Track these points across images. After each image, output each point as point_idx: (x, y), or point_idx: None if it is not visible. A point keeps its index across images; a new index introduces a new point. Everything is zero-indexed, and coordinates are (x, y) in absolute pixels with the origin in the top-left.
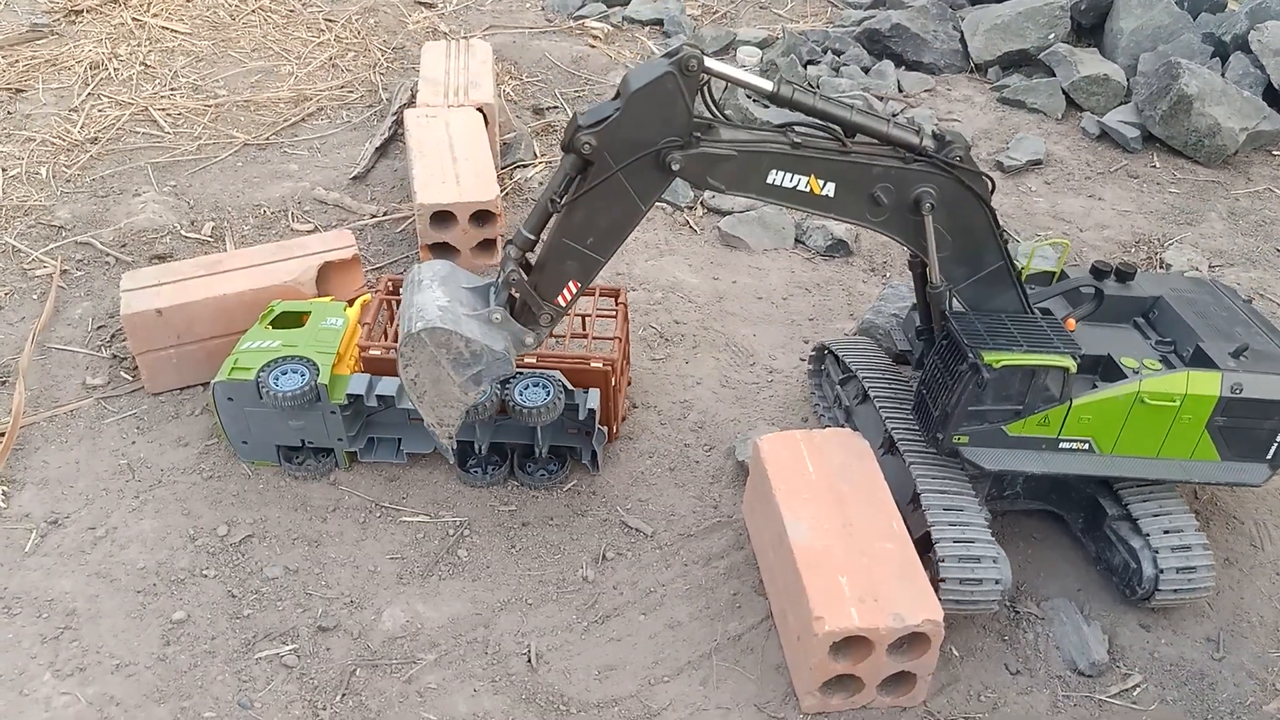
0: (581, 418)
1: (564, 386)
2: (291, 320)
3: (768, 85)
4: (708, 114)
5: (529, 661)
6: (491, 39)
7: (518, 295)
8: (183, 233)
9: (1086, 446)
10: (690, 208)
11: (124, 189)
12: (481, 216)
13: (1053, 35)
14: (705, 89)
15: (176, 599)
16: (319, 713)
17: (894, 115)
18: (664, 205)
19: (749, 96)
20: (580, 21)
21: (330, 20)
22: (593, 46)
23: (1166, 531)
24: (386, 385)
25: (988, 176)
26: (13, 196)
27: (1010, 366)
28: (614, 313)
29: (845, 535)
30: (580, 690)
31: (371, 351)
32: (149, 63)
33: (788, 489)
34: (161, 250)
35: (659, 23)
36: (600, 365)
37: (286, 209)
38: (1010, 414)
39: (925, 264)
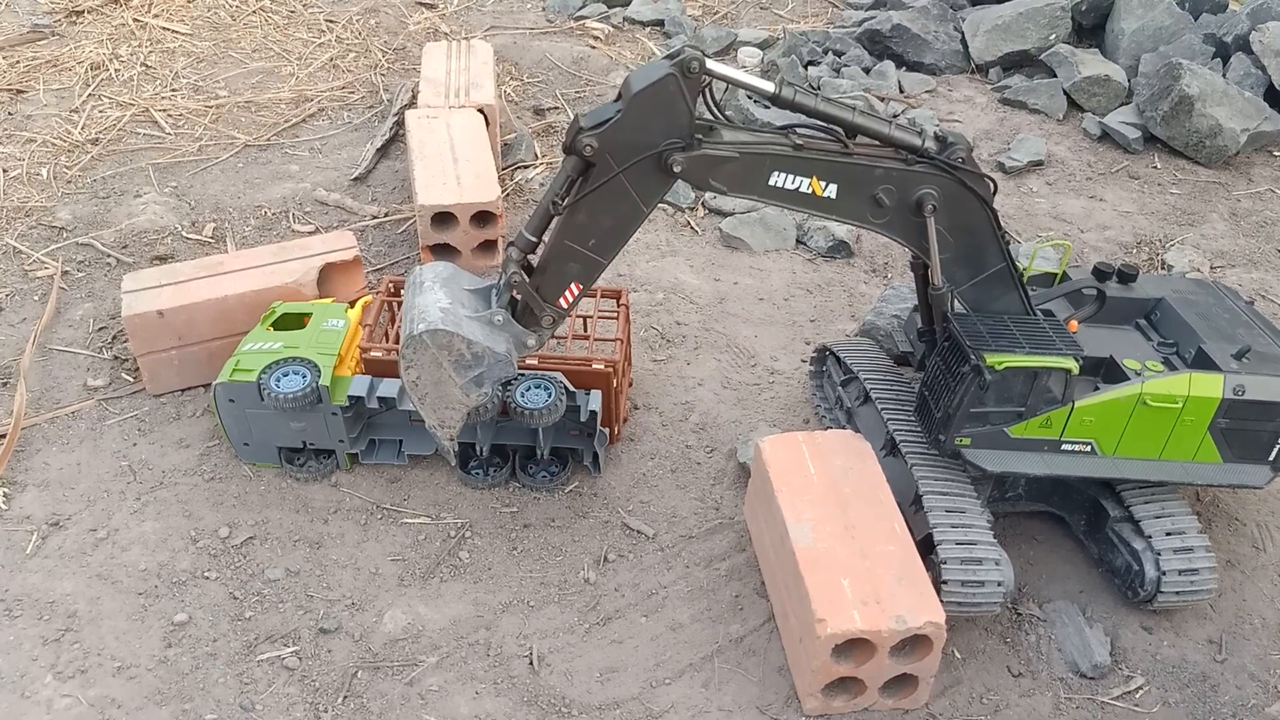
0: (583, 419)
1: (565, 388)
2: (293, 322)
3: (769, 87)
4: (709, 115)
5: (531, 664)
6: (492, 40)
7: (519, 297)
8: (184, 234)
9: (1089, 448)
10: (691, 209)
11: (125, 190)
12: (482, 218)
13: (1054, 36)
14: (707, 90)
15: (178, 601)
16: (320, 715)
17: (895, 116)
18: (665, 206)
19: (750, 98)
20: (581, 22)
21: (331, 21)
22: (593, 47)
23: (1169, 533)
24: (388, 387)
25: (989, 178)
26: (13, 197)
27: (1012, 368)
28: (615, 314)
29: (847, 537)
30: (582, 692)
31: (373, 353)
32: (150, 64)
33: (789, 491)
34: (163, 251)
35: (660, 23)
36: (602, 367)
37: (287, 210)
38: (1012, 416)
39: (927, 265)
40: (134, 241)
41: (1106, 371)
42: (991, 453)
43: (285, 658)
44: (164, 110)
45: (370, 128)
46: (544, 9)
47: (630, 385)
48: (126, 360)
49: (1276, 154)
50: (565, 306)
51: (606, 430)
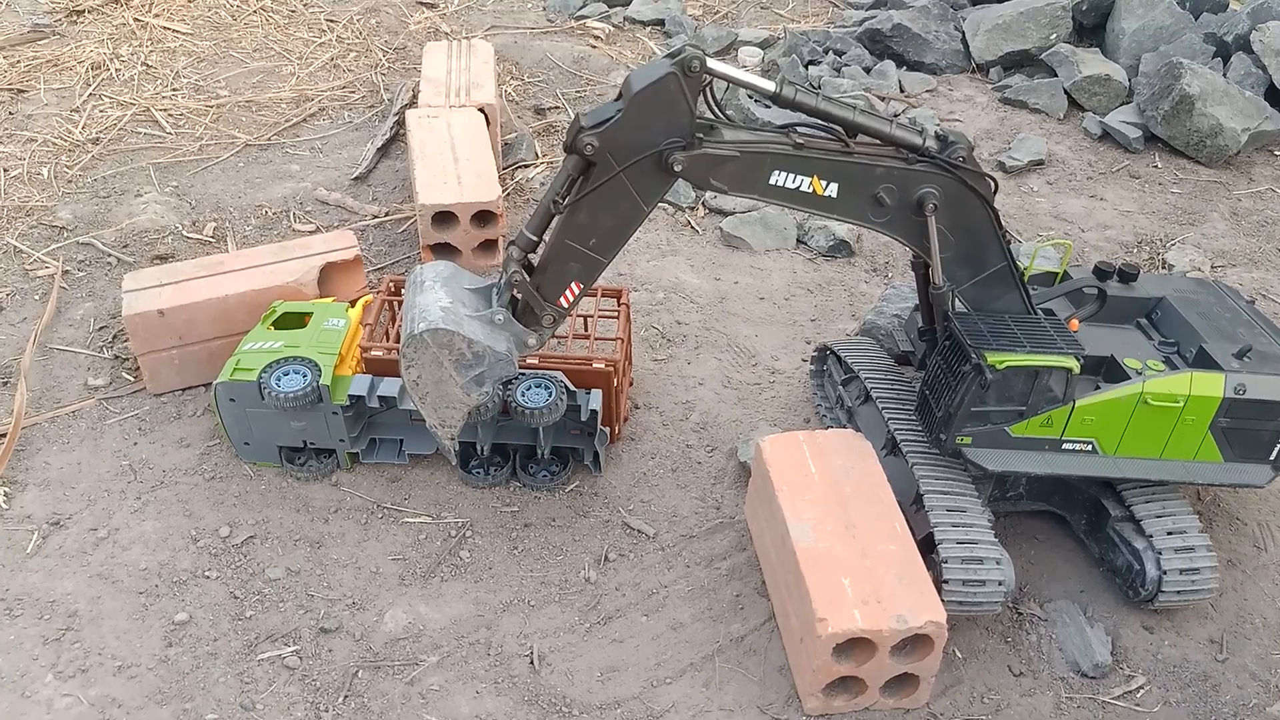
0: (584, 419)
1: (566, 387)
2: (293, 321)
3: (770, 86)
4: (710, 115)
5: (531, 663)
6: (493, 39)
7: (520, 296)
8: (184, 233)
9: (1090, 447)
10: (692, 208)
11: (125, 189)
12: (483, 217)
13: (1054, 35)
14: (707, 90)
15: (178, 600)
16: (321, 714)
17: (896, 116)
18: (666, 206)
19: (751, 97)
20: (581, 22)
21: (332, 21)
22: (594, 47)
23: (1170, 533)
24: (388, 386)
25: (990, 177)
26: (14, 197)
27: (1013, 367)
28: (616, 313)
29: (848, 536)
30: (583, 692)
31: (373, 352)
32: (150, 63)
33: (790, 490)
34: (163, 251)
35: (660, 23)
36: (602, 366)
37: (288, 209)
38: (1013, 415)
39: (928, 265)
40: (134, 241)
41: (1107, 371)
42: (992, 452)
43: (286, 657)
44: (165, 110)
45: (371, 127)
46: (544, 8)
47: (631, 384)
48: (127, 360)
49: (1277, 153)
50: (566, 306)
51: (607, 429)
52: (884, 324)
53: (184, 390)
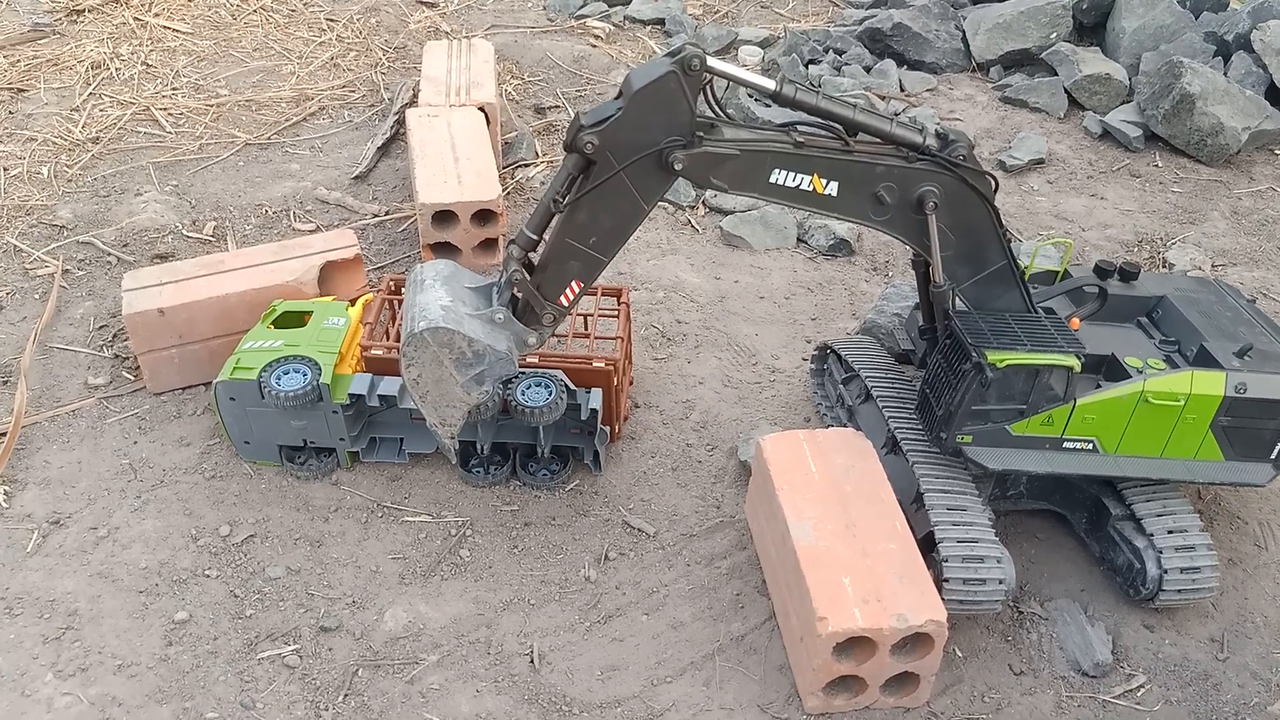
0: (584, 417)
1: (566, 386)
2: (293, 320)
3: (770, 84)
4: (710, 113)
5: (531, 662)
6: (493, 38)
7: (520, 295)
8: (184, 232)
9: (1090, 446)
10: (692, 207)
11: (125, 188)
12: (483, 216)
13: (1055, 34)
14: (708, 88)
15: (179, 599)
16: (321, 713)
17: (896, 114)
18: (666, 205)
19: (751, 96)
20: (582, 21)
21: (332, 20)
22: (594, 46)
23: (1170, 531)
24: (388, 385)
25: (991, 175)
26: (14, 196)
27: (1014, 366)
28: (616, 312)
29: (848, 535)
30: (583, 691)
31: (373, 351)
32: (150, 62)
33: (790, 489)
34: (163, 250)
35: (660, 22)
36: (603, 365)
37: (288, 208)
38: (1014, 413)
39: (928, 263)
40: (134, 240)
41: (1108, 369)
42: (993, 450)
43: (286, 656)
44: (165, 109)
45: (371, 126)
46: (545, 8)
47: (631, 383)
48: (127, 358)
49: (1278, 152)
50: (566, 304)
51: (607, 428)
52: (884, 323)
53: (184, 389)
